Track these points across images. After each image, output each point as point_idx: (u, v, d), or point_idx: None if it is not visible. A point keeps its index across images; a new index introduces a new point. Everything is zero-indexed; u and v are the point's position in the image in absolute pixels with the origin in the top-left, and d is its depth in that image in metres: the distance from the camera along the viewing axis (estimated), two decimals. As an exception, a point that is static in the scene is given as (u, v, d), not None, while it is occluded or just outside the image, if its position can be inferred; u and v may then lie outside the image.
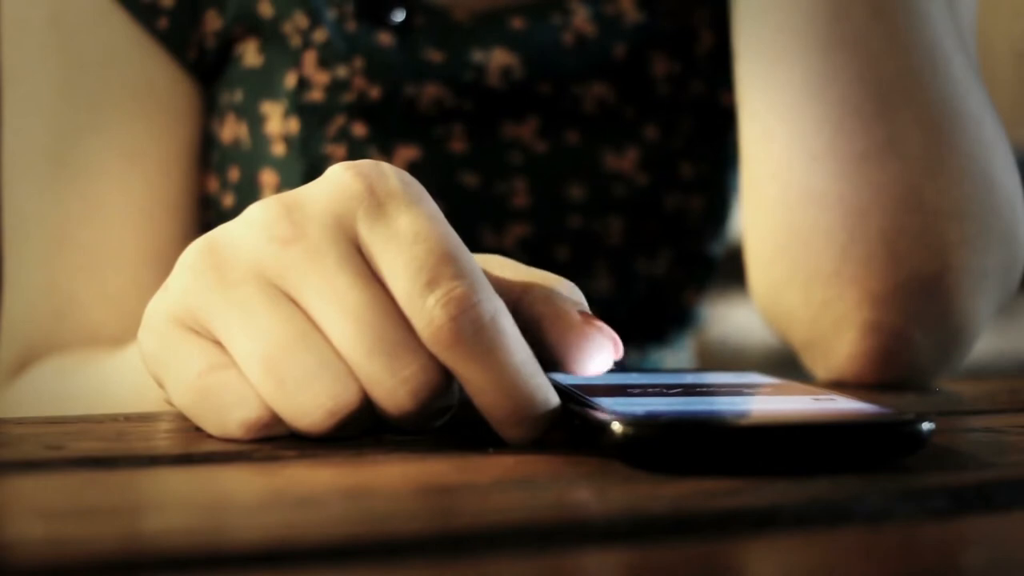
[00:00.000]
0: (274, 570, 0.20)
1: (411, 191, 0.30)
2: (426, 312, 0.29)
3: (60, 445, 0.30)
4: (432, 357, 0.29)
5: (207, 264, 0.31)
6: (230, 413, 0.30)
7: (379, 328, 0.29)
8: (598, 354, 0.31)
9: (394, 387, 0.29)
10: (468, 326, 0.28)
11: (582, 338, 0.31)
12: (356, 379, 0.29)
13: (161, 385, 0.32)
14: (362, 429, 0.31)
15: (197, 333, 0.31)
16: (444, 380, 0.30)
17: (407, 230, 0.30)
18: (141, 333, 0.33)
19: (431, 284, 0.29)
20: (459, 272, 0.29)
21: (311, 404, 0.29)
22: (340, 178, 0.31)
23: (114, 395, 0.45)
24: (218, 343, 0.31)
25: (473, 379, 0.29)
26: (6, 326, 0.56)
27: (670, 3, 0.57)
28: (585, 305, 0.33)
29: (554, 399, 0.30)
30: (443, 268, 0.29)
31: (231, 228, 0.31)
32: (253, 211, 0.31)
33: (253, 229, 0.31)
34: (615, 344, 0.32)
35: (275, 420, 0.30)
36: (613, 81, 0.57)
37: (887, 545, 0.22)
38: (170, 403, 0.33)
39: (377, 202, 0.30)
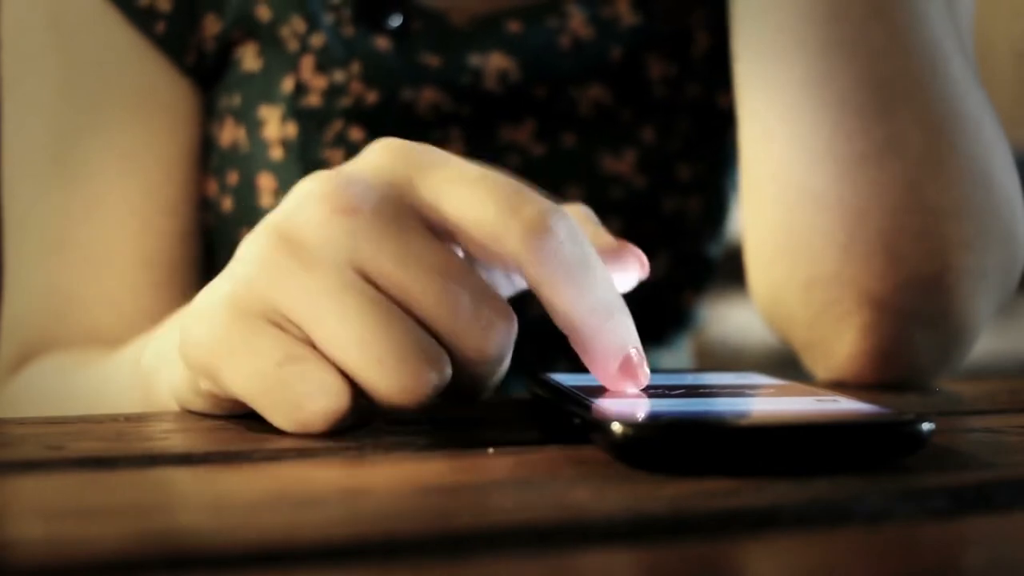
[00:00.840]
0: (274, 570, 0.20)
1: (445, 152, 0.32)
2: (519, 223, 0.30)
3: (60, 445, 0.30)
4: (505, 302, 0.31)
5: (279, 250, 0.31)
6: (312, 403, 0.30)
7: (465, 280, 0.30)
8: (630, 271, 0.37)
9: (481, 334, 0.30)
10: (564, 229, 0.30)
11: (616, 257, 0.36)
12: (444, 348, 0.30)
13: (213, 375, 0.32)
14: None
15: (271, 323, 0.31)
16: (516, 322, 0.31)
17: (467, 173, 0.31)
18: (192, 322, 0.32)
19: (516, 202, 0.30)
20: (535, 195, 0.31)
21: (411, 380, 0.29)
22: (382, 151, 0.32)
23: (112, 395, 0.45)
24: (290, 333, 0.30)
25: (562, 292, 0.30)
26: (6, 324, 0.56)
27: (666, 5, 0.57)
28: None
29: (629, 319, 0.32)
30: (521, 191, 0.31)
31: (291, 211, 0.31)
32: (307, 187, 0.32)
33: (314, 204, 0.31)
34: (642, 261, 0.37)
35: (349, 408, 0.30)
36: (610, 83, 0.57)
37: (887, 545, 0.22)
38: (189, 401, 0.34)
39: (426, 159, 0.32)
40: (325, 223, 0.30)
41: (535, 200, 0.31)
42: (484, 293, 0.30)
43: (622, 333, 0.31)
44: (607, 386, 0.32)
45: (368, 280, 0.30)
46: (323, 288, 0.30)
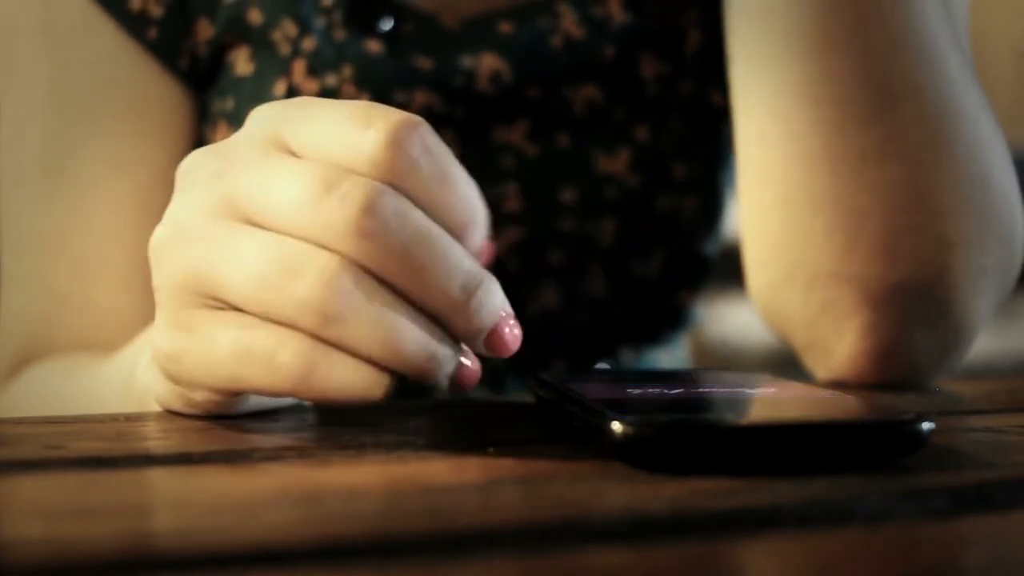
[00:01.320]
0: (274, 570, 0.20)
1: (321, 99, 0.32)
2: (368, 142, 0.30)
3: (59, 445, 0.30)
4: (371, 182, 0.29)
5: (169, 236, 0.32)
6: (280, 356, 0.30)
7: (315, 173, 0.29)
8: None
9: (346, 211, 0.29)
10: (417, 145, 0.30)
11: None
12: (331, 248, 0.29)
13: (194, 381, 0.32)
14: (376, 320, 0.30)
15: (207, 308, 0.31)
16: (397, 199, 0.29)
17: (324, 110, 0.31)
18: (160, 340, 0.32)
19: (365, 123, 0.30)
20: (389, 110, 0.30)
21: (311, 290, 0.29)
22: (258, 110, 0.33)
23: (107, 401, 0.45)
24: (233, 310, 0.31)
25: (426, 198, 0.30)
26: (1, 329, 0.56)
27: (658, 4, 0.57)
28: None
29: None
30: (373, 110, 0.30)
31: (173, 200, 0.33)
32: (183, 166, 0.33)
33: (190, 180, 0.32)
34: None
35: (320, 352, 0.30)
36: (602, 83, 0.57)
37: (887, 545, 0.22)
38: (186, 405, 0.33)
39: (295, 108, 0.32)
40: (200, 192, 0.31)
41: (389, 114, 0.30)
42: (342, 176, 0.29)
43: (480, 225, 0.31)
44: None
45: (251, 222, 0.30)
46: (215, 251, 0.30)
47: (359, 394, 0.30)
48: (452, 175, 0.30)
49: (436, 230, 0.30)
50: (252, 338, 0.30)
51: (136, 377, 0.39)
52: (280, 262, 0.29)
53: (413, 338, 0.30)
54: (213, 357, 0.31)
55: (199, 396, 0.33)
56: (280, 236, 0.30)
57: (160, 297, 0.32)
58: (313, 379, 0.30)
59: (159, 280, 0.32)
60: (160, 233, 0.32)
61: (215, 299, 0.31)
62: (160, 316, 0.32)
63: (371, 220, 0.29)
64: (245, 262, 0.30)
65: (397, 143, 0.29)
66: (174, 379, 0.33)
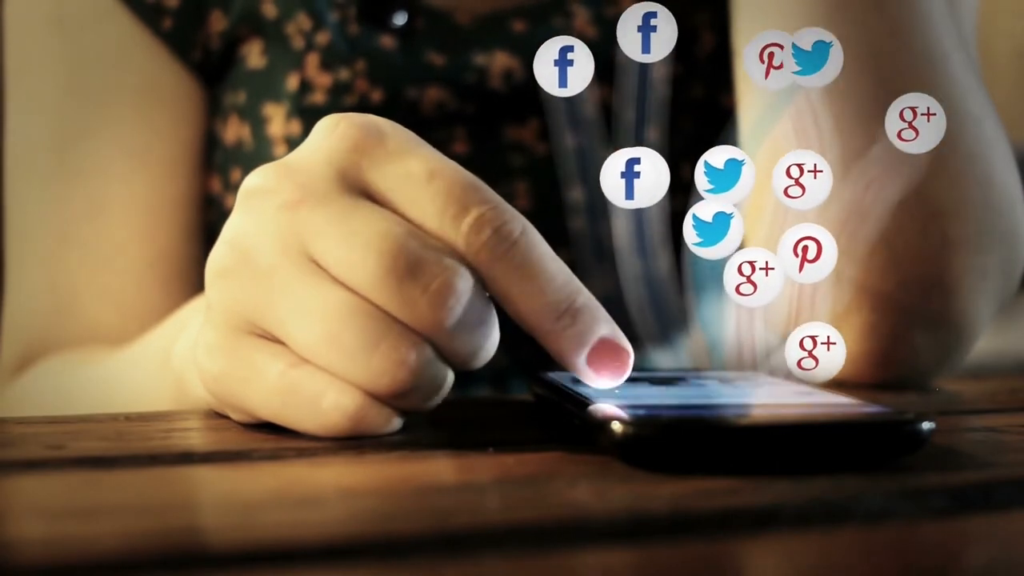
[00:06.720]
0: (274, 570, 0.20)
1: (407, 134, 0.31)
2: (461, 240, 0.30)
3: (61, 445, 0.30)
4: (458, 263, 0.30)
5: (234, 262, 0.31)
6: (323, 400, 0.30)
7: (401, 250, 0.29)
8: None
9: (429, 303, 0.29)
10: (501, 244, 0.30)
11: None
12: (413, 330, 0.29)
13: (236, 406, 0.32)
14: (432, 390, 0.30)
15: (260, 337, 0.31)
16: (472, 285, 0.30)
17: (419, 169, 0.30)
18: (204, 359, 0.32)
19: (460, 213, 0.30)
20: (482, 199, 0.30)
21: (385, 364, 0.29)
22: (333, 131, 0.31)
23: (116, 394, 0.45)
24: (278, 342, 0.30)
25: (513, 293, 0.30)
26: (8, 324, 0.56)
27: (670, 5, 0.57)
28: None
29: (593, 302, 0.31)
30: (467, 197, 0.30)
31: (238, 219, 0.31)
32: (251, 185, 0.31)
33: (259, 203, 0.31)
34: None
35: (367, 403, 0.30)
36: (614, 83, 0.57)
37: (887, 545, 0.22)
38: (221, 411, 0.33)
39: (379, 149, 0.31)
40: (270, 222, 0.30)
41: (480, 206, 0.30)
42: (425, 259, 0.29)
43: (579, 330, 0.31)
44: (585, 381, 0.32)
45: (321, 265, 0.30)
46: (280, 292, 0.30)
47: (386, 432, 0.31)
48: (535, 274, 0.31)
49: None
50: (300, 377, 0.30)
51: (172, 363, 0.39)
52: (358, 331, 0.29)
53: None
54: (256, 387, 0.31)
55: (236, 416, 0.33)
56: (357, 299, 0.29)
57: (212, 315, 0.32)
58: (356, 429, 0.30)
59: (214, 299, 0.32)
60: (223, 256, 0.31)
61: (270, 334, 0.31)
62: (208, 331, 0.32)
63: (452, 316, 0.29)
64: (316, 317, 0.29)
65: (480, 249, 0.30)
66: (214, 397, 0.33)
